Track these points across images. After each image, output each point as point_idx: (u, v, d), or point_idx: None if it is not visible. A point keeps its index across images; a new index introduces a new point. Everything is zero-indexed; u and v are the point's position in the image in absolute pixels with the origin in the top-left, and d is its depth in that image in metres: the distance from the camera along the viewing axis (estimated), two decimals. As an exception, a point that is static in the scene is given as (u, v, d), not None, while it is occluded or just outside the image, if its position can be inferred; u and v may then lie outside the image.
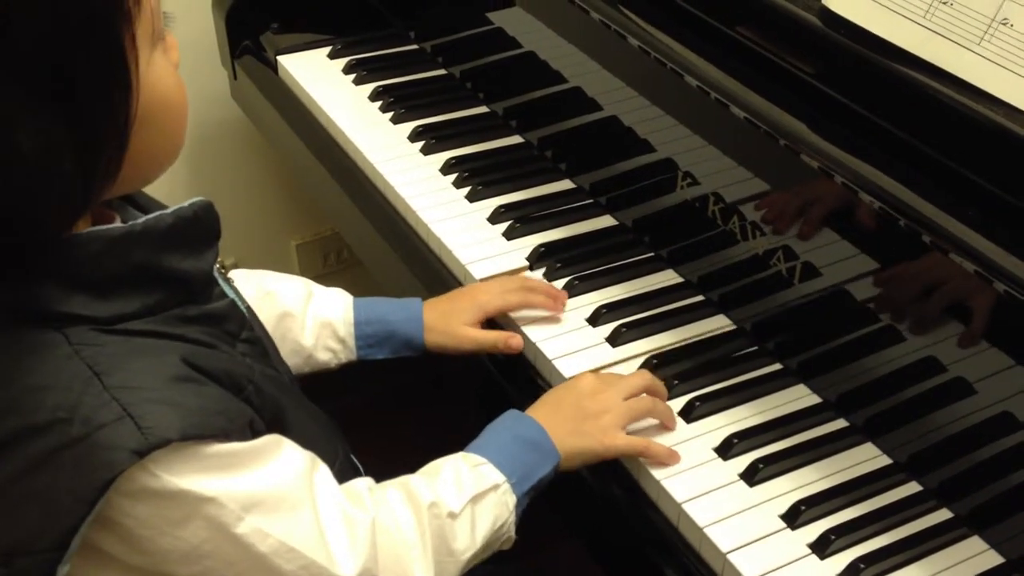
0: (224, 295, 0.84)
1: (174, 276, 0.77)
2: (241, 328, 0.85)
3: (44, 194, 0.69)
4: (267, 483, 0.78)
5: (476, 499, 0.90)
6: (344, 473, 0.94)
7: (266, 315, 1.04)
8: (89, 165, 0.70)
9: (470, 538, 0.90)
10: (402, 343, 1.12)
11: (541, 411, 0.99)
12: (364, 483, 0.89)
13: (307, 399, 0.96)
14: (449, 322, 1.12)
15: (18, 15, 0.65)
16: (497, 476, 0.92)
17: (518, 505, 0.93)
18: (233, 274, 1.00)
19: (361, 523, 0.83)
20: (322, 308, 1.11)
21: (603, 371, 1.09)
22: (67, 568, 0.72)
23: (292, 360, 1.08)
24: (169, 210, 0.78)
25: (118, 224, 0.76)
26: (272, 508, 0.77)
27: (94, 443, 0.70)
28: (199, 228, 0.80)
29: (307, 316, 1.10)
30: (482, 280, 1.20)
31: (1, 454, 0.71)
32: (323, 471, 0.84)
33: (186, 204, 0.79)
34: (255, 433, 0.79)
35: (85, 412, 0.70)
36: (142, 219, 0.76)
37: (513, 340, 1.11)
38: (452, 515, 0.88)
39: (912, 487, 0.99)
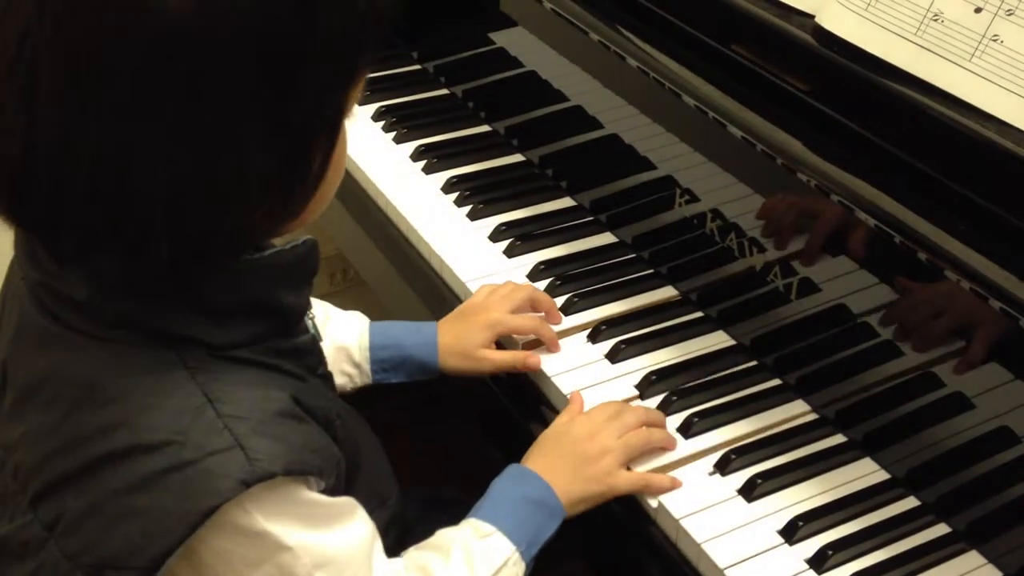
0: (307, 330, 0.86)
1: (280, 309, 0.79)
2: (319, 363, 0.87)
3: (242, 223, 0.71)
4: (340, 544, 0.80)
5: None
6: (395, 507, 0.97)
7: None
8: (286, 205, 0.73)
9: None
10: (416, 367, 1.12)
11: (540, 462, 0.99)
12: (401, 563, 0.90)
13: (373, 432, 0.97)
14: (465, 346, 1.11)
15: (295, 68, 0.68)
16: (507, 548, 0.92)
17: (526, 569, 0.94)
18: None
19: None
20: (338, 332, 1.11)
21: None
22: None
23: None
24: (287, 247, 0.79)
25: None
26: (339, 570, 0.79)
27: (204, 469, 0.71)
28: (306, 265, 0.82)
29: (324, 340, 1.10)
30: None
31: (111, 467, 0.72)
32: (379, 544, 0.86)
33: (299, 242, 0.80)
34: (338, 474, 0.81)
35: (197, 437, 0.72)
36: (266, 254, 0.78)
37: (531, 359, 1.11)
38: None
39: (910, 502, 0.99)
